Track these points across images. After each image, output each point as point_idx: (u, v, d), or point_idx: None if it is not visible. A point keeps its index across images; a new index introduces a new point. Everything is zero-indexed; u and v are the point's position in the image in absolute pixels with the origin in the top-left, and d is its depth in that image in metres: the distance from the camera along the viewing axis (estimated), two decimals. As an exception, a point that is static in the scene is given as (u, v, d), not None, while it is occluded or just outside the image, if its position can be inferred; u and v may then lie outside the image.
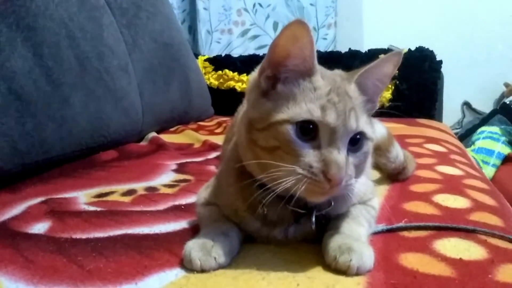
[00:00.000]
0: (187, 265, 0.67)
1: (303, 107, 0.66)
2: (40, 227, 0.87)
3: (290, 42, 0.65)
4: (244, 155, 0.72)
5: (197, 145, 1.77)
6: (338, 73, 0.74)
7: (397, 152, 1.13)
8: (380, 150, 1.08)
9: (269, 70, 0.69)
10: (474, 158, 2.19)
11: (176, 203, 1.04)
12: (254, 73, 0.74)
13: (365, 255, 0.65)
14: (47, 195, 1.07)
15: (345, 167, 0.64)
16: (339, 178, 0.63)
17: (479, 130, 2.85)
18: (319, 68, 0.69)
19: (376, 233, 0.79)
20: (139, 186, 1.18)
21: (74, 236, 0.83)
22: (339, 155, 0.64)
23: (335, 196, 0.72)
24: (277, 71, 0.69)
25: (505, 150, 2.63)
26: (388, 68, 0.72)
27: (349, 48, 2.47)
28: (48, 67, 1.29)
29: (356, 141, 0.68)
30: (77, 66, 1.42)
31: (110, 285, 0.63)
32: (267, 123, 0.67)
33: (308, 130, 0.65)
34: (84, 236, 0.83)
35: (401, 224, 0.83)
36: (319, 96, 0.67)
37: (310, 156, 0.64)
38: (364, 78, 0.71)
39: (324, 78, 0.69)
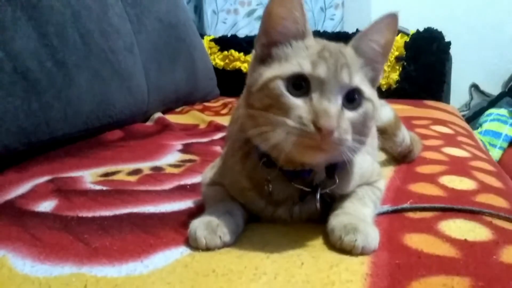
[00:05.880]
0: (192, 244, 0.67)
1: (294, 63, 0.67)
2: (46, 205, 0.88)
3: (279, 5, 0.68)
4: (245, 125, 0.72)
5: (202, 126, 1.77)
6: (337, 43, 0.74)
7: (404, 136, 1.12)
8: (387, 133, 1.08)
9: (263, 37, 0.71)
10: (481, 140, 2.18)
11: (182, 182, 1.04)
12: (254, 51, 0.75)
13: (370, 235, 0.65)
14: (54, 174, 1.08)
15: (338, 118, 0.63)
16: (329, 126, 0.61)
17: (487, 112, 2.84)
18: (311, 33, 0.71)
19: (381, 214, 0.79)
20: (145, 165, 1.18)
21: (80, 215, 0.83)
22: (330, 105, 0.63)
23: (339, 173, 0.73)
24: (270, 37, 0.70)
25: (513, 132, 2.61)
26: (382, 29, 0.71)
27: (357, 29, 2.38)
28: (53, 46, 1.28)
29: (353, 99, 0.67)
30: (82, 45, 1.41)
31: (116, 262, 0.64)
32: (260, 83, 0.67)
33: (300, 85, 0.65)
34: (90, 214, 0.83)
35: (406, 205, 0.83)
36: (310, 54, 0.67)
37: (300, 108, 0.64)
38: (359, 42, 0.71)
39: (317, 41, 0.70)
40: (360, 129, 0.67)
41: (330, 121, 0.61)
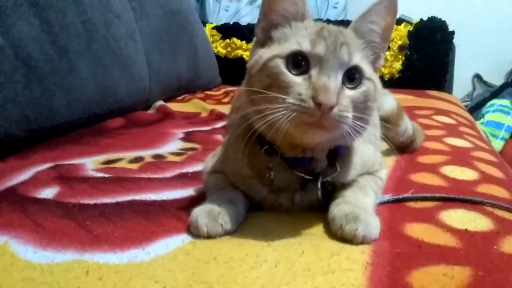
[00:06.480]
0: (193, 231, 0.67)
1: (293, 42, 0.67)
2: (48, 192, 0.88)
3: None
4: (245, 109, 0.72)
5: (204, 114, 1.77)
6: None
7: (406, 126, 1.12)
8: (389, 123, 1.07)
9: (264, 21, 0.72)
10: (484, 131, 2.17)
11: (183, 170, 1.04)
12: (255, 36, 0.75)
13: (371, 224, 0.65)
14: (55, 161, 1.08)
15: (337, 95, 0.62)
16: (327, 101, 0.61)
17: (489, 103, 2.83)
18: (311, 15, 0.71)
19: (382, 203, 0.79)
20: (147, 153, 1.18)
21: (82, 202, 0.83)
22: (329, 81, 0.63)
23: (340, 162, 0.73)
24: (271, 20, 0.71)
25: (515, 123, 2.60)
26: (381, 11, 0.71)
27: (360, 18, 2.42)
28: (55, 33, 1.28)
29: (353, 77, 0.67)
30: (84, 32, 1.40)
31: (117, 249, 0.64)
32: (260, 63, 0.68)
33: (299, 64, 0.65)
34: (92, 201, 0.84)
35: (408, 194, 0.83)
36: (309, 33, 0.68)
37: (300, 85, 0.64)
38: (359, 23, 0.71)
39: (317, 23, 0.71)
40: (361, 109, 0.67)
41: (329, 96, 0.61)
